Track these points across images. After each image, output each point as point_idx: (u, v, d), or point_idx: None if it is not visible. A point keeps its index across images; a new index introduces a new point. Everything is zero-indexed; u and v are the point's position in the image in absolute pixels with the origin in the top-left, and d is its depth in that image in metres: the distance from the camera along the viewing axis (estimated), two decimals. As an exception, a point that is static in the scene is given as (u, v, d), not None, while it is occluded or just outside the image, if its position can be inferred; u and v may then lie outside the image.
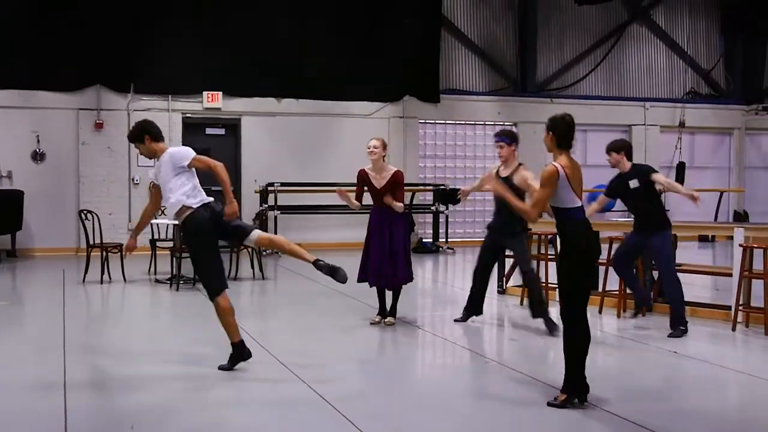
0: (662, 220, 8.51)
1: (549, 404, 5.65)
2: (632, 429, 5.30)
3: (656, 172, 8.65)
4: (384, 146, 8.73)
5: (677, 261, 10.30)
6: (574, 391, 5.66)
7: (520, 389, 6.24)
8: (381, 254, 8.55)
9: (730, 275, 9.25)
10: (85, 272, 12.19)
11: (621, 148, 8.73)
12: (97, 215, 12.74)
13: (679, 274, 8.66)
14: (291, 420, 5.55)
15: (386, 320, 8.83)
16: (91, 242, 12.35)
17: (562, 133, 5.84)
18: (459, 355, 7.91)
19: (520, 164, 8.48)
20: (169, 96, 16.85)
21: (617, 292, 9.57)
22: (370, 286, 8.86)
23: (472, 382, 6.78)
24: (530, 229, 9.93)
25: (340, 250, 16.25)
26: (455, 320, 8.99)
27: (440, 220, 18.05)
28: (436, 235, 17.93)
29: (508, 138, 8.51)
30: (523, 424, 5.47)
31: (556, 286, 5.96)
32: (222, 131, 17.54)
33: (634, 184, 8.48)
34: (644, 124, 20.93)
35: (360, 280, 8.72)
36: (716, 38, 22.11)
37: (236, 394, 6.25)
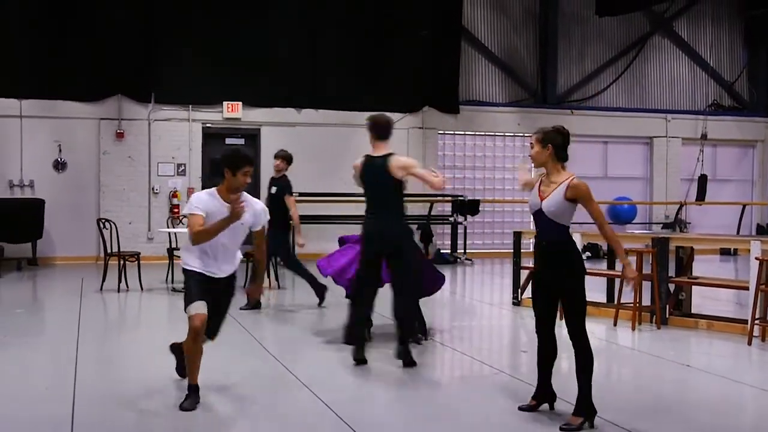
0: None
1: (562, 429, 5.52)
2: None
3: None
4: None
5: (695, 274, 10.24)
6: (590, 413, 5.58)
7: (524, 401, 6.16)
8: None
9: (746, 288, 9.16)
10: (103, 281, 12.26)
11: None
12: (115, 224, 12.83)
13: (701, 288, 8.56)
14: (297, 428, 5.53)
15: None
16: (109, 251, 12.44)
17: (560, 145, 5.70)
18: (470, 367, 7.86)
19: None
20: (190, 106, 16.94)
21: (632, 305, 9.48)
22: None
23: (482, 394, 6.72)
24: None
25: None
26: None
27: (458, 231, 18.00)
28: (454, 246, 17.89)
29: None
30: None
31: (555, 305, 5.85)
32: (242, 141, 17.61)
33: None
34: (666, 136, 20.79)
35: None
36: (739, 50, 21.95)
37: (244, 406, 6.24)
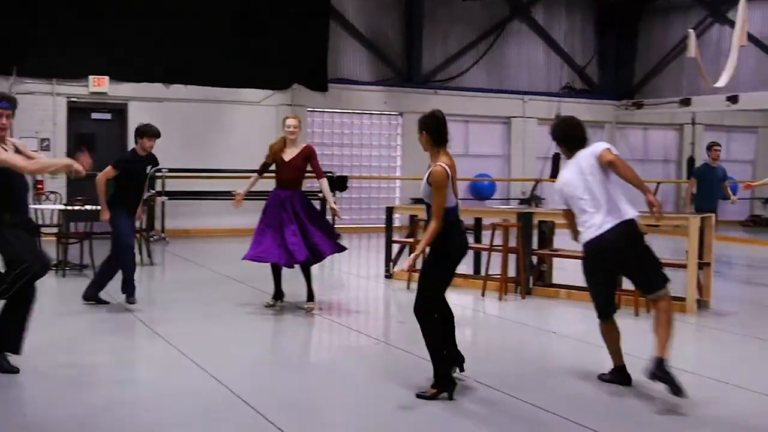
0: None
1: (417, 395, 5.70)
2: (513, 404, 5.75)
3: None
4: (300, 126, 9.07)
5: (555, 246, 10.97)
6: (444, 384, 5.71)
7: (409, 371, 6.48)
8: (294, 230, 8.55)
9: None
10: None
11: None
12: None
13: (558, 259, 9.14)
14: (194, 409, 5.60)
15: (307, 305, 8.95)
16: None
17: (435, 130, 5.79)
18: (348, 337, 8.20)
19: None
20: (54, 80, 16.49)
21: (499, 276, 10.08)
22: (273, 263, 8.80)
23: (364, 364, 7.04)
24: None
25: (231, 237, 16.35)
26: None
27: (326, 206, 18.27)
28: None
29: None
30: (412, 402, 5.72)
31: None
32: (108, 116, 17.29)
33: None
34: (523, 117, 21.78)
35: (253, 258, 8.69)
36: (591, 36, 23.19)
37: (131, 384, 6.31)
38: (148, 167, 9.31)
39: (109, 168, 8.86)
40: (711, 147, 12.99)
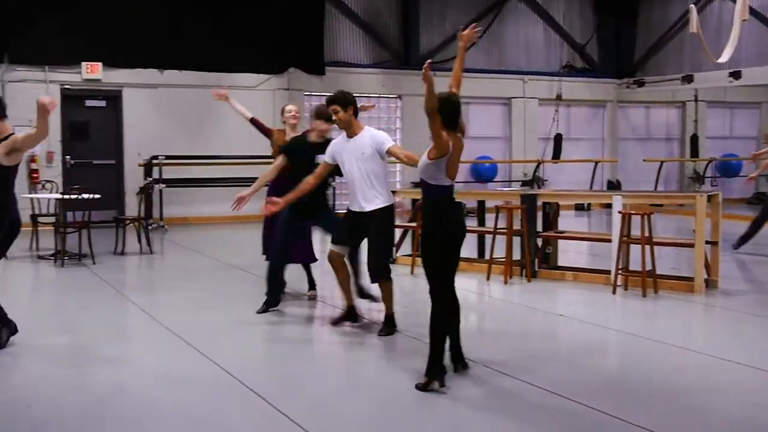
0: None
1: (417, 387, 5.53)
2: (528, 391, 5.60)
3: None
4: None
5: (560, 228, 10.81)
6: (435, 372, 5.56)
7: (414, 356, 6.29)
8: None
9: (608, 241, 9.75)
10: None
11: None
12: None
13: (563, 241, 9.02)
14: (194, 395, 5.53)
15: (309, 293, 8.84)
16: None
17: (449, 115, 5.60)
18: (352, 324, 8.04)
19: None
20: (46, 67, 16.26)
21: (504, 260, 9.92)
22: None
23: (367, 350, 6.93)
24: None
25: (229, 224, 16.19)
26: None
27: (327, 191, 18.08)
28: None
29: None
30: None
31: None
32: (103, 103, 17.08)
33: None
34: (523, 97, 21.57)
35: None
36: (590, 15, 22.92)
37: (131, 370, 6.20)
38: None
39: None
40: None
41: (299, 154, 7.59)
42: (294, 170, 7.56)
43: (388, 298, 7.21)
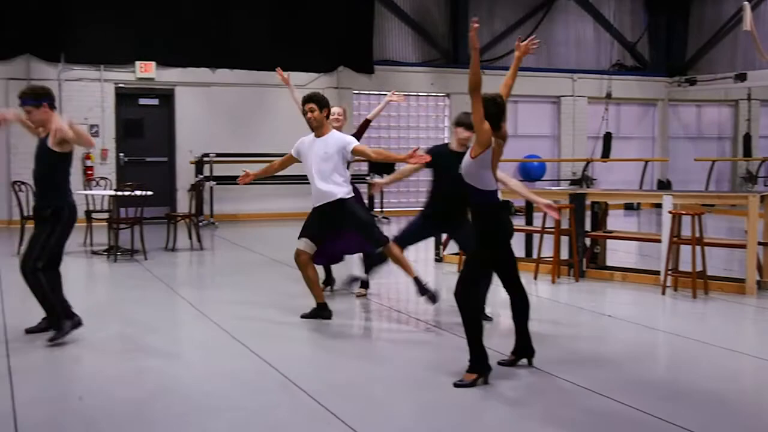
0: None
1: (455, 384, 5.54)
2: (575, 391, 5.59)
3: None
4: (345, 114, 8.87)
5: (609, 228, 10.74)
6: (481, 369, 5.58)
7: (461, 356, 6.38)
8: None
9: (658, 241, 9.67)
10: (20, 244, 11.98)
11: None
12: (30, 186, 12.53)
13: (611, 241, 8.96)
14: (242, 391, 5.58)
15: (357, 291, 8.89)
16: (25, 214, 12.18)
17: (494, 114, 5.56)
18: (399, 322, 8.10)
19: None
20: (101, 66, 16.59)
21: (551, 259, 9.89)
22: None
23: (415, 349, 6.95)
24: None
25: (277, 221, 16.36)
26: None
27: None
28: (371, 205, 18.11)
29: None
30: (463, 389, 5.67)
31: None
32: (155, 101, 17.38)
33: None
34: (572, 96, 21.42)
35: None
36: (641, 12, 22.68)
37: (181, 364, 6.31)
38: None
39: None
40: None
41: (443, 161, 7.28)
42: (436, 177, 7.51)
43: (403, 262, 7.51)
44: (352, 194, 7.62)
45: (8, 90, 15.85)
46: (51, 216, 6.65)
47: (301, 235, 7.67)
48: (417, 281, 7.56)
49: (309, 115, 7.48)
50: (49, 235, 6.66)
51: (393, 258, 7.55)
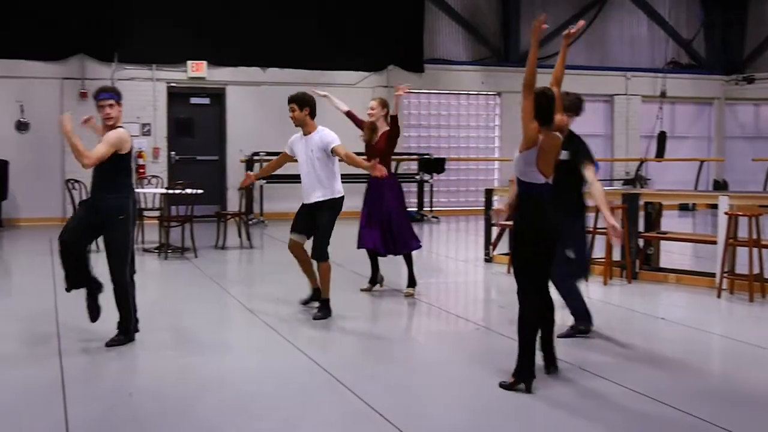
0: None
1: (501, 385, 5.49)
2: (626, 395, 5.47)
3: None
4: (382, 106, 8.68)
5: (662, 229, 10.54)
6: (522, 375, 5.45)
7: (511, 357, 6.29)
8: (380, 217, 8.47)
9: (713, 243, 9.45)
10: (74, 242, 12.17)
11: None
12: (84, 185, 12.72)
13: (665, 242, 8.79)
14: (288, 388, 5.59)
15: (406, 290, 8.81)
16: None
17: (545, 107, 5.49)
18: (448, 322, 8.04)
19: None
20: (153, 65, 16.79)
21: (603, 260, 9.73)
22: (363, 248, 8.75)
23: (464, 350, 6.90)
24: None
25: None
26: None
27: (425, 189, 18.17)
28: (420, 204, 18.06)
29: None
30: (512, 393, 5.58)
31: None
32: (207, 100, 17.53)
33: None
34: (626, 94, 21.10)
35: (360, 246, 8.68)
36: (696, 9, 22.25)
37: (230, 362, 6.33)
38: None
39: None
40: None
41: None
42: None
43: (324, 281, 7.75)
44: (339, 194, 7.81)
45: (63, 89, 16.13)
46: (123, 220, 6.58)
47: (294, 230, 8.02)
48: (316, 294, 7.99)
49: (290, 114, 7.71)
50: (129, 241, 6.64)
51: (321, 273, 7.77)
